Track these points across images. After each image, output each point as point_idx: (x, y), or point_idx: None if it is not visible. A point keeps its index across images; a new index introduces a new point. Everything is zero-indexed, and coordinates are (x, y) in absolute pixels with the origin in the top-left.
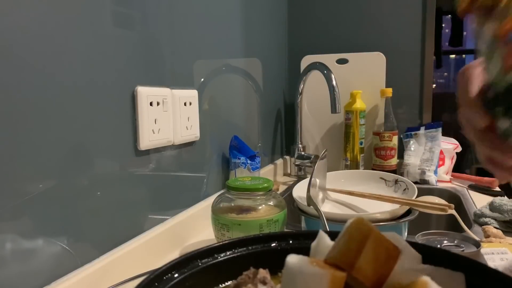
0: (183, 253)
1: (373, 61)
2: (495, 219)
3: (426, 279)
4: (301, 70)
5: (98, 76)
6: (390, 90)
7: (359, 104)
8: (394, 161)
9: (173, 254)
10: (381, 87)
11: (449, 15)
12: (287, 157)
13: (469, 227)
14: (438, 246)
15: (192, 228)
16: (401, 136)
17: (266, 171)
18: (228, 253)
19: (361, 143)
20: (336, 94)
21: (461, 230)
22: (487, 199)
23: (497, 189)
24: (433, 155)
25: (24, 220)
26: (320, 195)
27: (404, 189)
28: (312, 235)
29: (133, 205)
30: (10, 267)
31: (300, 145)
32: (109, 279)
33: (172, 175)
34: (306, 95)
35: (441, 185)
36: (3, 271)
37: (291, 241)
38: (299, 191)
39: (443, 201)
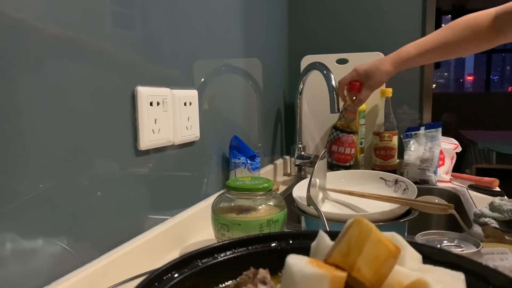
0: (183, 253)
1: None
2: (495, 219)
3: (426, 279)
4: (301, 70)
5: (98, 76)
6: (390, 90)
7: None
8: (394, 161)
9: (173, 254)
10: (381, 87)
11: (449, 15)
12: (287, 157)
13: (469, 227)
14: (438, 246)
15: (192, 228)
16: (401, 136)
17: (266, 171)
18: (228, 253)
19: (361, 143)
20: (335, 94)
21: (461, 230)
22: (487, 199)
23: (497, 189)
24: (433, 155)
25: (24, 220)
26: (320, 195)
27: (404, 189)
28: (312, 235)
29: (133, 205)
30: (10, 267)
31: (300, 145)
32: (109, 279)
33: (172, 175)
34: (306, 95)
35: (441, 185)
36: (3, 271)
37: (291, 241)
38: (299, 191)
39: (443, 201)
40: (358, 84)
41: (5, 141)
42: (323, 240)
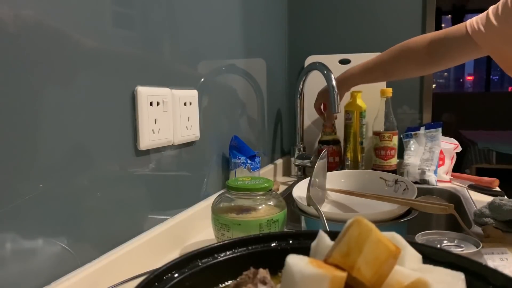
0: (183, 253)
1: None
2: (495, 219)
3: (426, 279)
4: None
5: (98, 76)
6: (390, 90)
7: (359, 104)
8: (394, 161)
9: (173, 254)
10: (381, 87)
11: (449, 15)
12: (288, 157)
13: (469, 227)
14: (438, 246)
15: (192, 228)
16: (401, 136)
17: (266, 171)
18: (228, 253)
19: (361, 143)
20: (336, 94)
21: (461, 230)
22: (487, 199)
23: (497, 189)
24: (433, 155)
25: (24, 220)
26: (320, 195)
27: (404, 189)
28: (312, 235)
29: (133, 205)
30: (10, 267)
31: (300, 145)
32: (109, 279)
33: (172, 175)
34: (306, 95)
35: (441, 185)
36: (3, 271)
37: (291, 241)
38: (299, 191)
39: (443, 201)
40: (324, 104)
41: (5, 141)
42: (323, 240)
